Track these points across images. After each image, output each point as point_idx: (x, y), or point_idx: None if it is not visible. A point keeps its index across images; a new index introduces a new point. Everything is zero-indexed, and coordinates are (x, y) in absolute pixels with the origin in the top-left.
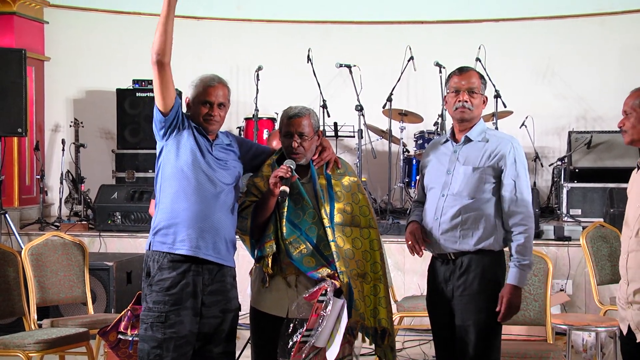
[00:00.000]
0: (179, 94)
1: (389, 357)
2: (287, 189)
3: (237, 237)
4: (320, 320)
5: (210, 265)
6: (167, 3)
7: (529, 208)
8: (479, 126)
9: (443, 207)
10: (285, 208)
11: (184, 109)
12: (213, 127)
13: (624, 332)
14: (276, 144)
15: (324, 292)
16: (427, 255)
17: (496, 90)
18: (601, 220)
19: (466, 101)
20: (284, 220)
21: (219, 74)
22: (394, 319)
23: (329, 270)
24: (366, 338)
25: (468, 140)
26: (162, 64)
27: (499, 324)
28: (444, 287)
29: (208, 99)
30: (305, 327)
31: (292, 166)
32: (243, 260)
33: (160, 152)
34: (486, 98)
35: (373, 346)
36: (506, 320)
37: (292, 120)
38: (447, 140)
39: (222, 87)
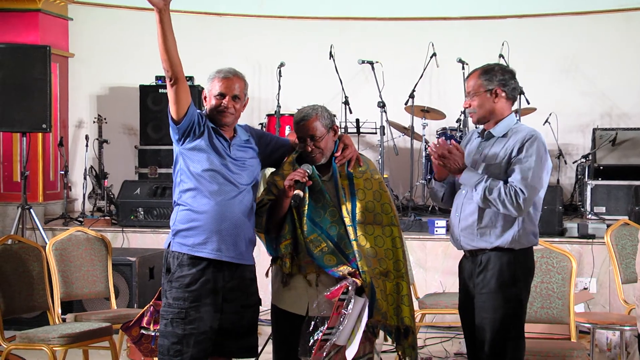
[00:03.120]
0: (200, 90)
1: (410, 356)
2: (300, 194)
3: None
4: (341, 319)
5: (230, 263)
6: (158, 23)
7: (530, 193)
8: (505, 121)
9: (462, 203)
10: (306, 206)
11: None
12: (227, 120)
13: (639, 330)
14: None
15: (345, 290)
16: (450, 252)
17: (520, 87)
18: (626, 218)
19: (468, 106)
20: (305, 218)
21: (241, 70)
22: (415, 316)
23: (350, 269)
24: (388, 337)
25: (490, 136)
26: (175, 78)
27: (517, 324)
28: (468, 284)
29: (222, 91)
30: (326, 326)
31: (308, 171)
32: (264, 257)
33: (177, 156)
34: (497, 90)
35: (394, 344)
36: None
37: (300, 125)
38: (478, 135)
39: (238, 79)
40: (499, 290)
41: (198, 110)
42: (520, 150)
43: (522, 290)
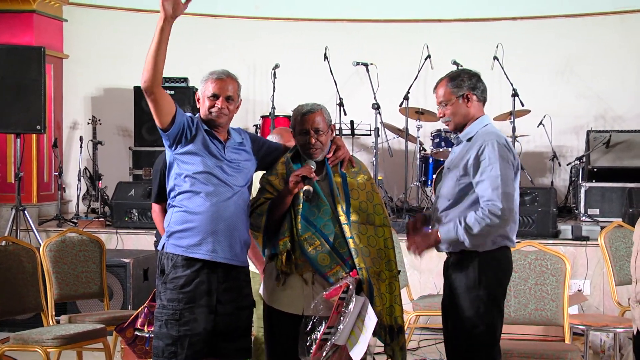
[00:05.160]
0: (194, 92)
1: (398, 357)
2: (310, 189)
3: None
4: (341, 318)
5: (225, 264)
6: (159, 31)
7: (496, 201)
8: (473, 125)
9: (437, 207)
10: (300, 205)
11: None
12: (221, 121)
13: (634, 332)
14: (277, 139)
15: (345, 289)
16: (444, 254)
17: (514, 89)
18: (619, 220)
19: (442, 115)
20: (299, 217)
21: (236, 71)
22: (410, 317)
23: (344, 273)
24: (382, 335)
25: (460, 141)
26: (150, 92)
27: (486, 328)
28: (445, 285)
29: (216, 92)
30: (325, 325)
31: (313, 167)
32: None
33: (171, 163)
34: (468, 95)
35: (383, 346)
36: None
37: (306, 117)
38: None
39: (231, 80)
40: (462, 292)
41: (188, 114)
42: (478, 161)
43: (490, 292)
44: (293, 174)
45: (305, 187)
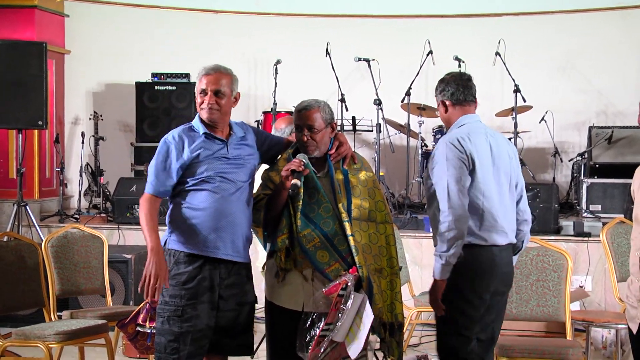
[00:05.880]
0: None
1: (395, 353)
2: (298, 183)
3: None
4: (339, 315)
5: (227, 261)
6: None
7: (443, 203)
8: (448, 131)
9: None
10: (300, 201)
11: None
12: (212, 116)
13: (634, 331)
14: (285, 126)
15: (344, 286)
16: None
17: (516, 85)
18: (621, 216)
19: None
20: (299, 213)
21: (237, 67)
22: (411, 313)
23: (343, 270)
24: (381, 332)
25: None
26: None
27: (445, 325)
28: None
29: (204, 87)
30: (324, 321)
31: (304, 160)
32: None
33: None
34: (441, 102)
35: (378, 342)
36: (438, 312)
37: (301, 114)
38: None
39: (222, 74)
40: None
41: (173, 136)
42: (432, 165)
43: (453, 288)
44: (284, 169)
45: (293, 181)
